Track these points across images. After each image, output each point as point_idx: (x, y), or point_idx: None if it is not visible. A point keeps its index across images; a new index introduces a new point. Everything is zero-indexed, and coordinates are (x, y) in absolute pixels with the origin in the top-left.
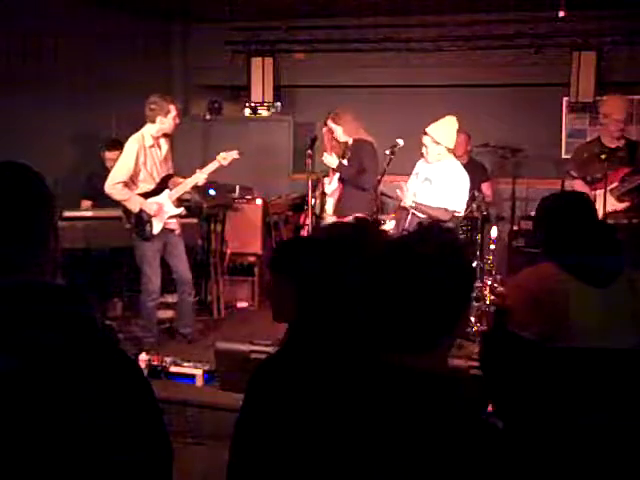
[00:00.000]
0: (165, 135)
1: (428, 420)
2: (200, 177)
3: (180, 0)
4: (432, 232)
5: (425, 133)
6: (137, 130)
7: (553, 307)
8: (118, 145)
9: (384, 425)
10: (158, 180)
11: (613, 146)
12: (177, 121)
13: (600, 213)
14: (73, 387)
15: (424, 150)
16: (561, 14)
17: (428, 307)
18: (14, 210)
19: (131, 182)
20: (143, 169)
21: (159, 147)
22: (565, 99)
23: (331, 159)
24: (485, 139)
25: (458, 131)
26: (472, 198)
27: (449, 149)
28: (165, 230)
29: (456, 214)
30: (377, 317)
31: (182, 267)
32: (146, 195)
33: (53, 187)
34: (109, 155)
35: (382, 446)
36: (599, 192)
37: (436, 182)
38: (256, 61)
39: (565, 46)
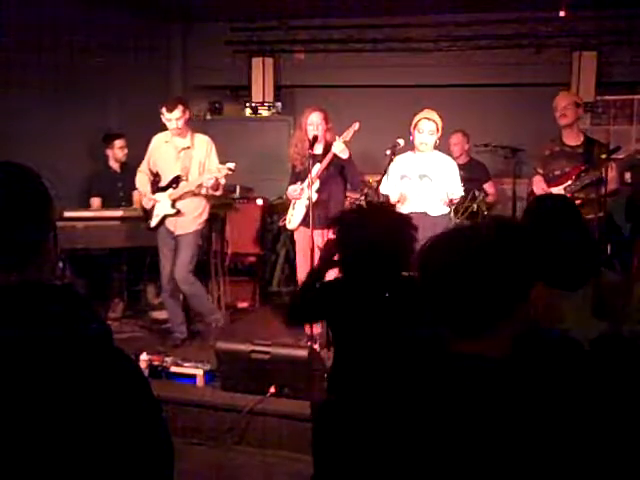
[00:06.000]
0: (181, 134)
1: (490, 406)
2: (192, 184)
3: (180, 0)
4: (492, 220)
5: (428, 119)
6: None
7: None
8: (113, 138)
9: (456, 417)
10: (169, 177)
11: (572, 144)
12: (170, 123)
13: None
14: (71, 387)
15: (425, 137)
16: (561, 14)
17: (487, 288)
18: (11, 210)
19: (152, 174)
20: (158, 164)
21: (174, 145)
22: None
23: (343, 147)
24: (486, 139)
25: (455, 131)
26: (473, 198)
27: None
28: (166, 228)
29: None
30: (441, 300)
31: (174, 266)
32: (160, 189)
33: (52, 186)
34: (108, 152)
35: (461, 439)
36: (555, 189)
37: (436, 177)
38: (256, 61)
39: (565, 46)
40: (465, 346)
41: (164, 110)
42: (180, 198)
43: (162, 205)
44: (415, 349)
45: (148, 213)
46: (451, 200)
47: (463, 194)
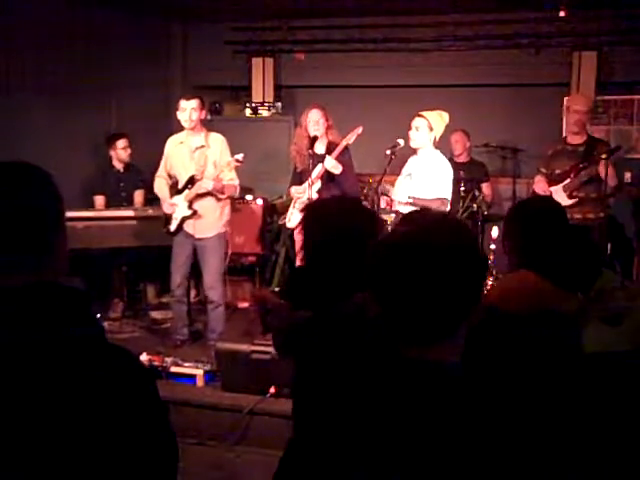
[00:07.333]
0: (194, 130)
1: (439, 410)
2: (208, 184)
3: (180, 0)
4: (444, 221)
5: (420, 116)
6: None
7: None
8: (115, 138)
9: (404, 419)
10: (186, 178)
11: (575, 143)
12: (184, 114)
13: None
14: (79, 386)
15: (412, 133)
16: (561, 14)
17: (440, 296)
18: (25, 210)
19: (170, 177)
20: (174, 166)
21: (188, 145)
22: (565, 99)
23: (334, 162)
24: (485, 139)
25: (456, 129)
26: (473, 198)
27: (435, 140)
28: (185, 232)
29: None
30: (391, 308)
31: (204, 273)
32: (178, 192)
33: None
34: (111, 152)
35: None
36: (554, 188)
37: (416, 175)
38: (256, 61)
39: (565, 46)
40: (421, 352)
41: (182, 100)
42: (197, 199)
43: (180, 208)
44: (371, 356)
45: (168, 217)
46: (390, 203)
47: (447, 197)
